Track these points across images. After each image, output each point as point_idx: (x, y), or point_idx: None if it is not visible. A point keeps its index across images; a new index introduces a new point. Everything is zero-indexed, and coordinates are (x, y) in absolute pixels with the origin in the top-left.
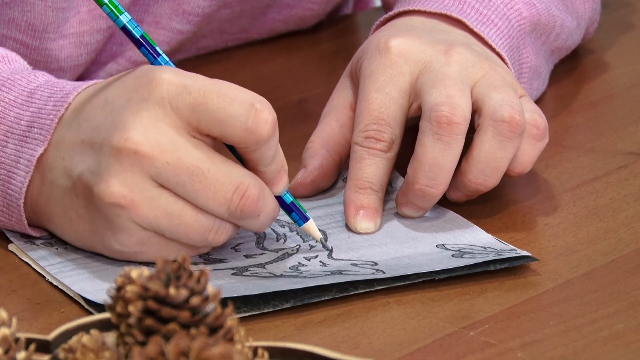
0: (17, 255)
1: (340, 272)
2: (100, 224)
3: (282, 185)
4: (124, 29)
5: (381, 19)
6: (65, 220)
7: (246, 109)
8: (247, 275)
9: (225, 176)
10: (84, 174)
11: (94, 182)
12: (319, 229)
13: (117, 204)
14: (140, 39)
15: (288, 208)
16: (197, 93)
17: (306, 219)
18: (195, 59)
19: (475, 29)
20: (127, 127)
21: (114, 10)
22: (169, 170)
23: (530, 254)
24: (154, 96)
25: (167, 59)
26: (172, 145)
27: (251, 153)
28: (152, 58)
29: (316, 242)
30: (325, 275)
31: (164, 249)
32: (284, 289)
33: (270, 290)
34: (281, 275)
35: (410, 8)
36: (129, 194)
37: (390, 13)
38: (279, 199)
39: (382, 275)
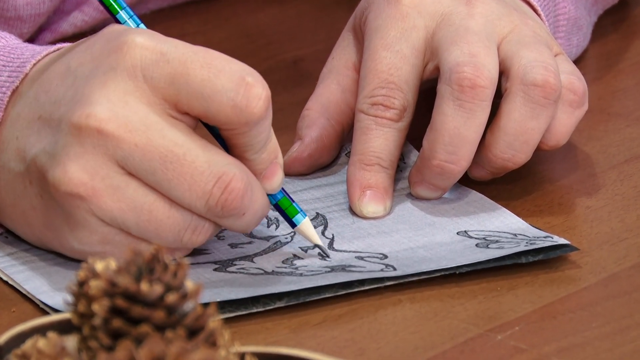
0: None
1: (343, 269)
2: (57, 217)
3: (276, 180)
4: None
5: None
6: (17, 212)
7: (236, 82)
8: (233, 272)
9: (206, 164)
10: (38, 156)
11: (49, 166)
12: (319, 213)
13: (76, 193)
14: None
15: (279, 207)
16: (176, 62)
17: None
18: (169, 10)
19: None
20: (90, 101)
21: None
22: (137, 155)
23: (569, 243)
24: (124, 64)
25: (144, 26)
26: (142, 124)
27: (239, 136)
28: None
29: (314, 247)
30: (326, 272)
31: (127, 246)
32: (276, 291)
33: (260, 294)
34: (273, 272)
35: None
36: (90, 181)
37: None
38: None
39: (392, 273)
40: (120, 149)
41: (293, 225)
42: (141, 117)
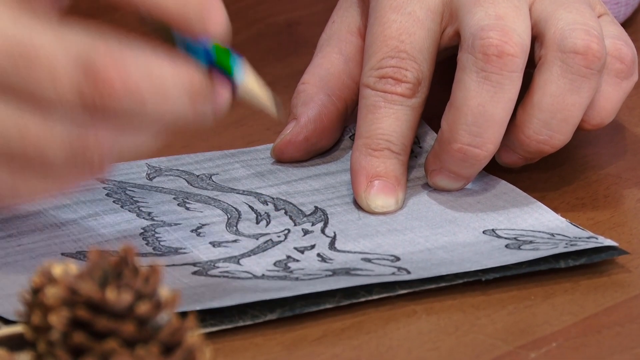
0: None
1: (347, 272)
2: None
3: (216, 20)
4: None
5: None
6: None
7: None
8: (215, 276)
9: (59, 48)
10: None
11: None
12: (318, 208)
13: None
14: None
15: (216, 63)
16: None
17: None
18: None
19: None
20: None
21: None
22: None
23: (616, 244)
24: None
25: None
26: None
27: None
28: None
29: (311, 248)
30: (327, 276)
31: (16, 180)
32: (267, 298)
33: (248, 301)
34: (263, 277)
35: None
36: None
37: None
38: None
39: (405, 277)
40: None
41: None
42: None
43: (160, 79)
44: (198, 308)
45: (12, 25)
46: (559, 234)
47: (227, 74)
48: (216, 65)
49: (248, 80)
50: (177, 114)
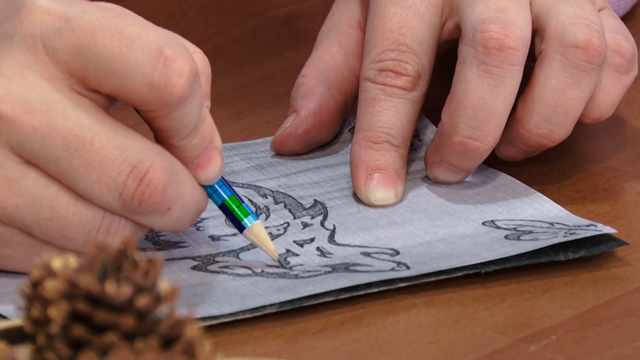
0: None
1: (346, 268)
2: None
3: (211, 169)
4: None
5: None
6: None
7: (152, 56)
8: (214, 271)
9: (117, 150)
10: None
11: None
12: (317, 201)
13: None
14: None
15: (223, 207)
16: (83, 30)
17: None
18: None
19: None
20: None
21: None
22: (36, 140)
23: (615, 231)
24: (21, 32)
25: None
26: (42, 103)
27: (160, 119)
28: None
29: (310, 241)
30: (326, 273)
31: (35, 254)
32: (267, 303)
33: (247, 307)
34: (262, 273)
35: None
36: None
37: None
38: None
39: (405, 273)
40: (16, 133)
41: (242, 229)
42: (41, 95)
43: (188, 201)
44: (198, 316)
45: (77, 116)
46: (558, 223)
47: (237, 220)
48: (227, 209)
49: (255, 231)
50: (180, 227)
